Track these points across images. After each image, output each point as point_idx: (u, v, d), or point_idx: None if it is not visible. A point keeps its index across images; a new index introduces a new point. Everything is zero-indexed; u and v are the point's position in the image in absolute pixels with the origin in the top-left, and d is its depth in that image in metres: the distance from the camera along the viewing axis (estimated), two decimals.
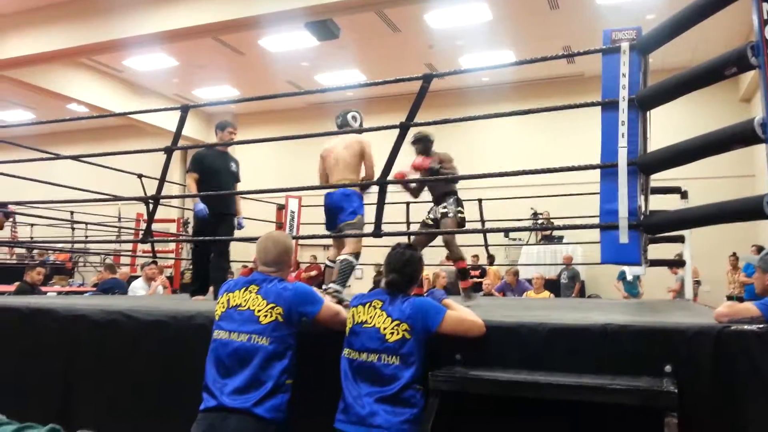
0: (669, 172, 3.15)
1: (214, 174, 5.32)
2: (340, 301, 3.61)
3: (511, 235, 12.42)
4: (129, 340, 3.27)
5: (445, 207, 4.95)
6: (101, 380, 3.31)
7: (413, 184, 5.14)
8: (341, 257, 4.24)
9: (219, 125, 5.57)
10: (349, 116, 4.73)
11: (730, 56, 2.55)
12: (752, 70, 2.51)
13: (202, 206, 5.13)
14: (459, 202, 5.02)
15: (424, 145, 5.09)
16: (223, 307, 2.66)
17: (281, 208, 9.44)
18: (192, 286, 5.61)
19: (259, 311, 2.56)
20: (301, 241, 11.72)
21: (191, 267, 5.81)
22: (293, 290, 2.63)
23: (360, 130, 4.58)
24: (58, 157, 5.72)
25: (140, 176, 7.00)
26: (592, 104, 3.22)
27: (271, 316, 2.54)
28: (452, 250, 4.97)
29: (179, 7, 10.04)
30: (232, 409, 2.42)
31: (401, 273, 2.66)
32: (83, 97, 13.67)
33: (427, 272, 10.94)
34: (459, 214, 4.94)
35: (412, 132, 4.21)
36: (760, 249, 5.90)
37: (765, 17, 2.38)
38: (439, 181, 4.91)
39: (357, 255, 4.30)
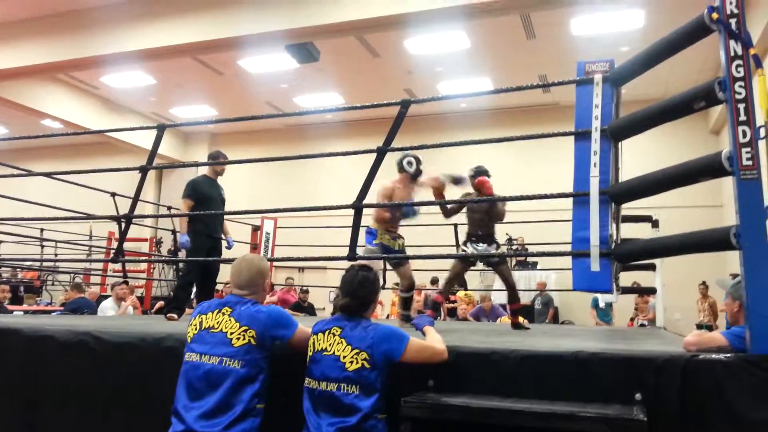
0: (641, 200, 3.21)
1: (207, 201, 5.58)
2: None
3: None
4: (97, 363, 3.20)
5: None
6: (68, 403, 3.22)
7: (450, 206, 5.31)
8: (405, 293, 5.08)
9: (212, 155, 5.84)
10: (404, 161, 5.00)
11: (698, 91, 2.62)
12: (720, 105, 2.58)
13: (186, 239, 5.44)
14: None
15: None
16: (196, 329, 2.62)
17: (256, 229, 9.37)
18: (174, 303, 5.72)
19: (231, 334, 2.52)
20: (276, 263, 11.64)
21: (183, 288, 5.89)
22: (267, 313, 2.60)
23: (346, 153, 4.62)
24: (30, 174, 5.63)
25: (113, 194, 6.92)
26: (566, 134, 3.29)
27: (244, 339, 2.51)
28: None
29: (159, 26, 10.03)
30: None
31: (355, 296, 2.62)
32: (58, 113, 13.52)
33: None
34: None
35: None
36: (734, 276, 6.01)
37: (732, 54, 2.46)
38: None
39: (411, 287, 5.06)
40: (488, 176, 5.16)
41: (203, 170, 5.85)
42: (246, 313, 2.58)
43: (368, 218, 4.57)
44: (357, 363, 2.43)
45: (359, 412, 2.37)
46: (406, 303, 5.15)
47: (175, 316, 5.37)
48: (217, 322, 2.58)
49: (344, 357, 2.45)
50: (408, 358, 2.48)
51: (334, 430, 2.36)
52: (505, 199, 3.58)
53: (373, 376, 2.42)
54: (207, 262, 5.49)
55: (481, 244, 5.10)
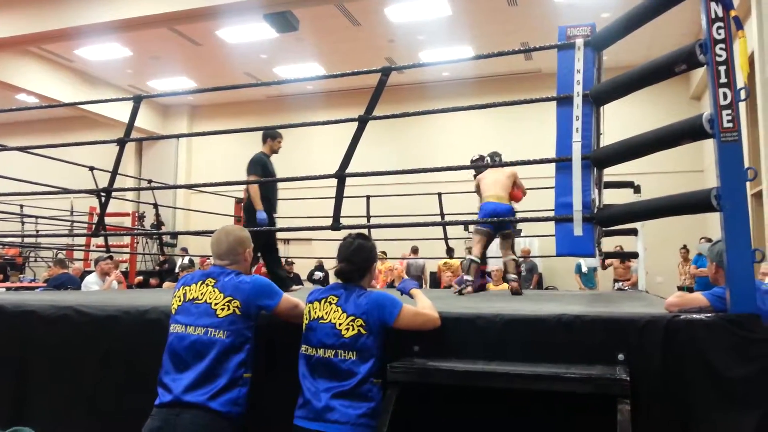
0: (622, 167, 3.23)
1: (270, 177, 5.55)
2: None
3: (471, 228, 12.54)
4: (81, 336, 3.18)
5: None
6: (55, 376, 3.21)
7: None
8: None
9: (269, 134, 5.73)
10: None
11: (680, 53, 2.62)
12: (701, 68, 2.58)
13: (264, 215, 5.37)
14: None
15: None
16: (180, 300, 2.62)
17: (240, 201, 9.31)
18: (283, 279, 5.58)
19: (216, 304, 2.53)
20: None
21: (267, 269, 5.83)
22: (251, 283, 2.60)
23: (327, 123, 4.60)
24: (5, 148, 5.52)
25: (92, 168, 6.82)
26: (547, 99, 3.28)
27: (229, 309, 2.51)
28: None
29: None
30: (187, 403, 2.38)
31: (350, 262, 2.64)
32: (33, 87, 13.24)
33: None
34: None
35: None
36: (709, 240, 6.13)
37: (713, 16, 2.45)
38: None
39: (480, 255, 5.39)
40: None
41: (297, 152, 5.78)
42: (230, 283, 2.57)
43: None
44: (353, 330, 2.46)
45: (356, 376, 2.42)
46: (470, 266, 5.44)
47: (297, 287, 5.52)
48: (201, 293, 2.57)
49: (340, 324, 2.48)
50: (402, 324, 2.51)
51: (331, 395, 2.41)
52: (488, 166, 3.58)
53: (370, 342, 2.46)
54: (267, 239, 5.48)
55: None
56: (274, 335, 2.79)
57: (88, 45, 12.34)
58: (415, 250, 10.99)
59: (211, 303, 2.53)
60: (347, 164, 3.71)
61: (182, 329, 2.53)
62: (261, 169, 5.49)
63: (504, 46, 3.71)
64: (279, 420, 2.59)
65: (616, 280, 10.64)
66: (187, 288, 2.63)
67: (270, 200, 5.56)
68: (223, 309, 2.51)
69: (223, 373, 2.43)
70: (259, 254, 5.60)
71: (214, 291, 2.56)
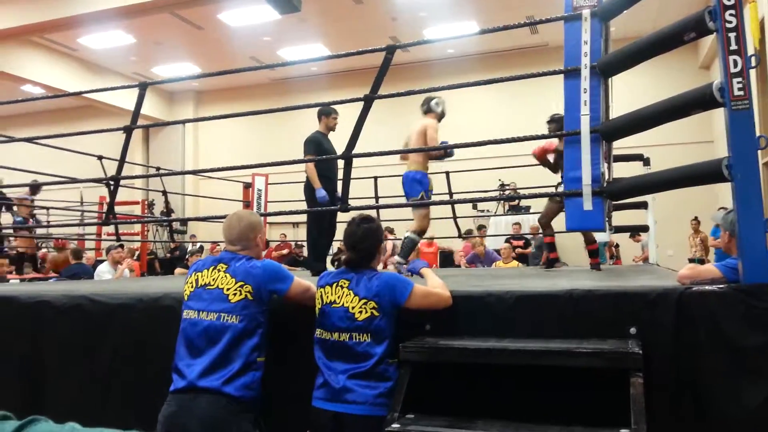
0: (631, 139, 3.19)
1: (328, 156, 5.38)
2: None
3: (479, 206, 12.51)
4: (95, 325, 3.21)
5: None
6: (70, 365, 3.25)
7: (552, 161, 5.38)
8: (405, 234, 4.87)
9: (324, 111, 5.56)
10: (432, 102, 5.04)
11: (688, 21, 2.57)
12: (711, 36, 2.54)
13: (324, 193, 5.23)
14: None
15: (558, 125, 5.08)
16: (192, 286, 2.62)
17: (248, 186, 9.32)
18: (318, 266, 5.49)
19: (228, 290, 2.53)
20: (270, 220, 11.63)
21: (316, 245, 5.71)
22: (262, 268, 2.60)
23: (324, 104, 4.56)
24: (12, 139, 5.53)
25: (100, 158, 6.83)
26: (555, 72, 3.24)
27: (241, 294, 2.52)
28: None
29: None
30: (202, 388, 2.40)
31: (357, 250, 2.63)
32: (38, 77, 13.24)
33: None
34: None
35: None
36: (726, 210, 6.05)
37: None
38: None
39: (421, 232, 4.84)
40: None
41: (317, 126, 5.58)
42: (241, 268, 2.58)
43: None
44: (366, 312, 2.47)
45: (372, 357, 2.43)
46: (412, 247, 4.96)
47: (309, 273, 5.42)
48: (213, 279, 2.58)
49: (353, 308, 2.49)
50: (413, 304, 2.51)
51: (348, 376, 2.43)
52: (494, 142, 3.55)
53: (383, 324, 2.47)
54: (330, 220, 5.45)
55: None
56: (288, 318, 2.80)
57: (92, 33, 12.30)
58: (390, 231, 10.49)
59: (223, 288, 2.54)
60: (354, 145, 3.69)
61: (195, 315, 2.54)
62: (314, 147, 5.36)
63: (509, 20, 3.66)
64: (295, 402, 2.61)
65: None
66: (199, 274, 2.64)
67: (330, 179, 5.40)
68: (235, 294, 2.52)
69: (236, 358, 2.44)
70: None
71: (225, 276, 2.56)
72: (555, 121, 5.10)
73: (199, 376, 2.42)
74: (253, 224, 2.75)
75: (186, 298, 2.62)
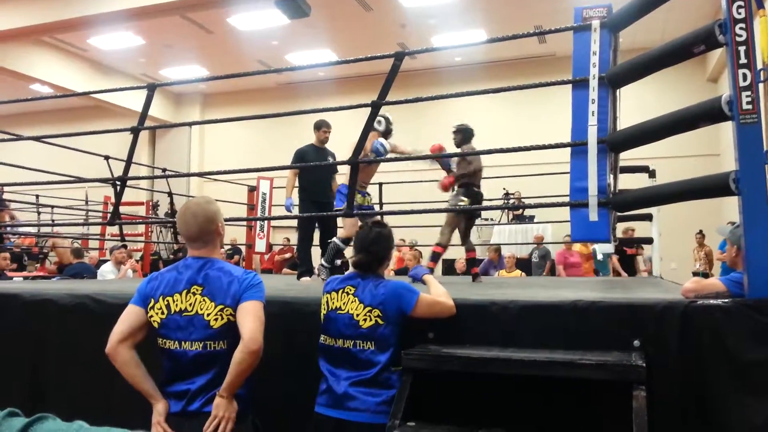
0: (637, 151, 3.18)
1: (311, 169, 5.65)
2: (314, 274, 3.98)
3: (483, 214, 12.49)
4: (98, 324, 3.20)
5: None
6: (73, 364, 3.25)
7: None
8: (332, 240, 5.15)
9: (316, 125, 5.86)
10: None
11: (698, 34, 2.57)
12: (719, 49, 2.53)
13: (291, 201, 5.68)
14: (461, 193, 5.22)
15: (462, 135, 5.35)
16: (163, 313, 2.32)
17: (252, 189, 9.33)
18: (301, 268, 5.90)
19: (208, 315, 2.28)
20: (274, 223, 11.63)
21: (305, 251, 5.97)
22: (240, 281, 2.32)
23: (331, 110, 4.58)
24: (20, 138, 5.55)
25: (107, 158, 6.85)
26: (563, 82, 3.23)
27: (222, 319, 2.28)
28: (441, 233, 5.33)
29: None
30: (193, 413, 2.27)
31: (368, 252, 2.62)
32: (47, 77, 13.30)
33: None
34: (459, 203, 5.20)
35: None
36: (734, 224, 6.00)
37: None
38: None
39: (347, 240, 5.01)
40: (472, 135, 5.38)
41: (310, 139, 5.89)
42: (217, 286, 2.31)
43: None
44: (371, 320, 2.46)
45: (376, 366, 2.43)
46: (335, 254, 5.24)
47: (309, 278, 5.58)
48: (190, 304, 2.31)
49: (358, 315, 2.48)
50: (419, 313, 2.50)
51: (351, 383, 2.42)
52: (500, 151, 3.54)
53: (387, 332, 2.46)
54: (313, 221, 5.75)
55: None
56: (292, 325, 2.79)
57: (102, 34, 12.36)
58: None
59: (203, 314, 2.29)
60: (360, 151, 3.69)
61: (176, 345, 2.31)
62: (296, 159, 5.69)
63: (517, 29, 3.66)
64: (298, 408, 2.60)
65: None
66: (170, 298, 2.34)
67: (308, 190, 5.69)
68: (216, 319, 2.28)
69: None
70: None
71: (204, 300, 2.30)
72: (460, 132, 5.35)
73: (189, 402, 2.29)
74: (210, 215, 2.41)
75: (157, 325, 2.35)
